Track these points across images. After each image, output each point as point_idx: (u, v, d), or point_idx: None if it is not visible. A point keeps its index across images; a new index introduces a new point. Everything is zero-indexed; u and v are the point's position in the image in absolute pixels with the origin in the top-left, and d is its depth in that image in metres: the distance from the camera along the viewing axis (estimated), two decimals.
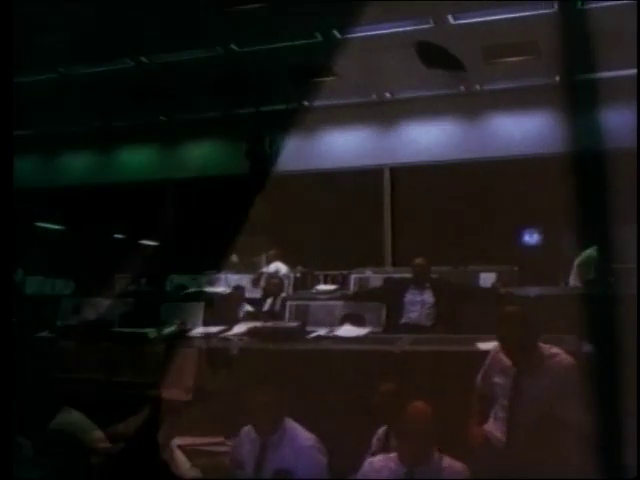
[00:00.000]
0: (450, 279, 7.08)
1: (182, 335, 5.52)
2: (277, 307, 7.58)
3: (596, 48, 7.36)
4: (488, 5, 7.68)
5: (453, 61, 8.75)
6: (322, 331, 5.14)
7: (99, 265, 9.27)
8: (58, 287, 9.09)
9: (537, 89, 9.14)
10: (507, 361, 3.39)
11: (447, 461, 3.10)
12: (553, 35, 7.47)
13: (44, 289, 9.04)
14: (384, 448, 3.91)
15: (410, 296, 6.41)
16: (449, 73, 9.19)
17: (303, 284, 8.78)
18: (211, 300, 7.09)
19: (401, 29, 8.33)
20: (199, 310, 6.71)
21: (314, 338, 4.95)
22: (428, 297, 6.39)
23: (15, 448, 3.77)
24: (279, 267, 8.77)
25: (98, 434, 4.36)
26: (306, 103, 9.98)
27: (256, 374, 4.38)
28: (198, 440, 4.36)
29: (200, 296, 7.32)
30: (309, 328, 5.33)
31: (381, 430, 3.98)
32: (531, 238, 9.73)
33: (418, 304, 6.39)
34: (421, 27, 8.03)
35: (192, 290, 7.71)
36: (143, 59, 9.19)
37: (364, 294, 6.79)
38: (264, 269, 8.92)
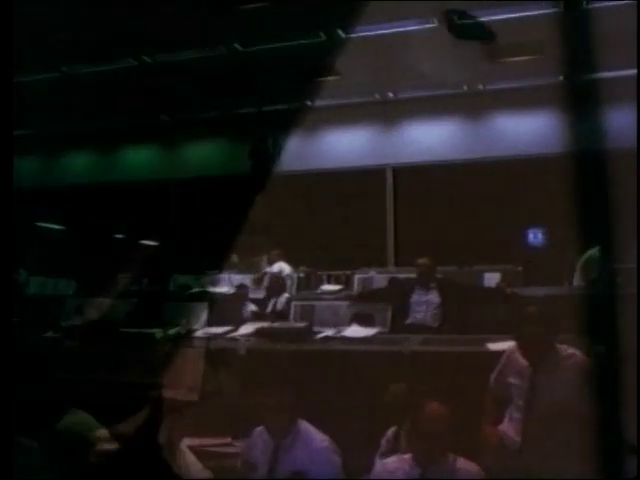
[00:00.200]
0: (455, 279, 7.07)
1: (188, 335, 5.50)
2: (279, 307, 7.58)
3: (601, 48, 7.35)
4: (492, 5, 7.66)
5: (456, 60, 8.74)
6: (329, 331, 5.12)
7: (102, 265, 9.24)
8: (61, 287, 9.07)
9: (541, 89, 9.13)
10: (523, 361, 3.37)
11: (461, 462, 3.08)
12: (557, 35, 7.46)
13: (47, 289, 9.02)
14: (393, 449, 3.91)
15: (416, 296, 6.40)
16: (452, 73, 9.18)
17: (307, 284, 8.77)
18: (215, 300, 7.09)
19: (405, 28, 8.30)
20: (203, 310, 6.72)
21: (322, 339, 4.93)
22: (434, 297, 6.37)
23: (21, 449, 3.75)
24: (282, 267, 8.76)
25: (105, 435, 4.34)
26: (309, 103, 9.96)
27: (265, 375, 4.37)
28: (206, 441, 4.35)
29: (204, 296, 7.32)
30: (316, 328, 5.31)
31: (390, 431, 3.96)
32: (534, 238, 9.72)
33: (424, 304, 6.37)
34: (425, 27, 7.98)
35: (196, 290, 7.70)
36: (146, 59, 9.15)
37: (369, 294, 6.78)
38: (267, 269, 8.90)
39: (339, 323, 5.77)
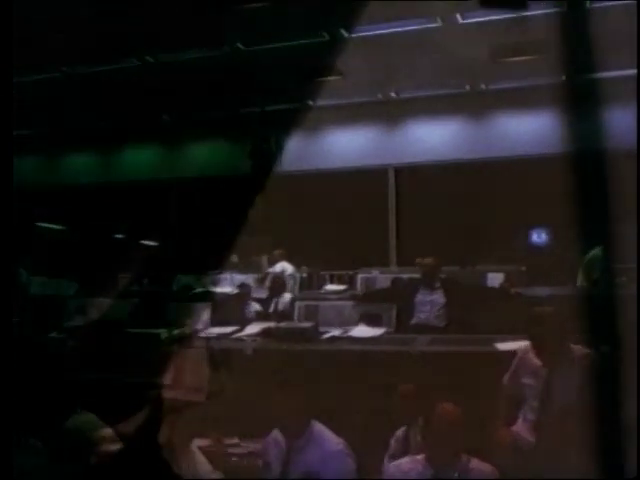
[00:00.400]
0: (458, 279, 7.06)
1: (193, 335, 5.48)
2: (280, 307, 7.56)
3: (603, 47, 7.35)
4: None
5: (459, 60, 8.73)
6: (335, 331, 5.10)
7: (104, 265, 9.21)
8: (63, 288, 9.03)
9: (543, 89, 9.12)
10: (537, 362, 3.36)
11: (475, 463, 3.07)
12: (560, 34, 7.45)
13: (49, 290, 8.99)
14: (403, 449, 3.90)
15: (420, 296, 6.39)
16: (454, 72, 9.17)
17: (309, 284, 8.75)
18: (218, 300, 7.07)
19: (409, 28, 8.29)
20: (207, 310, 6.69)
21: (329, 339, 4.91)
22: (438, 297, 6.36)
23: (25, 450, 3.73)
24: (285, 267, 8.73)
25: (110, 434, 4.32)
26: (311, 102, 9.94)
27: (274, 376, 4.35)
28: (214, 442, 4.33)
29: (207, 296, 7.30)
30: (322, 328, 5.29)
31: (400, 431, 3.95)
32: (538, 238, 9.71)
33: (428, 304, 6.36)
34: (429, 26, 7.97)
35: (199, 290, 7.67)
36: (148, 58, 9.13)
37: (374, 294, 6.77)
38: (270, 269, 8.88)
39: (344, 323, 5.75)
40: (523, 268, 7.98)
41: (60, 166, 12.10)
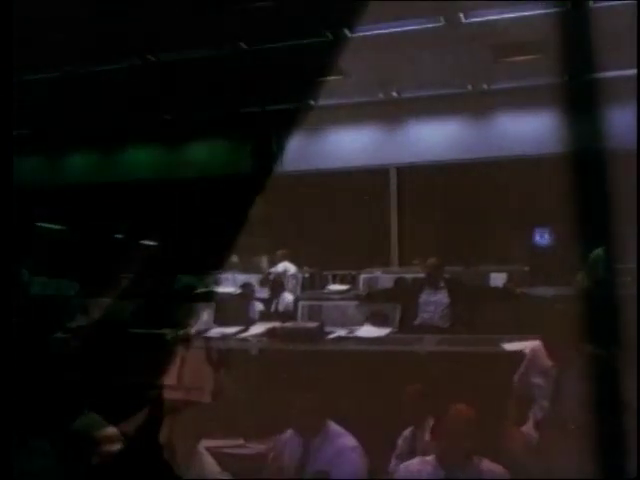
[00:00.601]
0: (462, 279, 7.05)
1: (198, 336, 5.46)
2: (281, 307, 7.55)
3: (607, 47, 7.34)
4: (496, 4, 7.64)
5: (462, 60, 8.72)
6: (341, 332, 5.08)
7: (106, 266, 9.19)
8: (64, 288, 9.01)
9: (546, 88, 9.11)
10: (547, 362, 3.34)
11: (486, 464, 3.05)
12: (562, 34, 7.44)
13: (51, 290, 8.96)
14: (410, 449, 3.89)
15: (424, 296, 6.37)
16: (456, 72, 9.16)
17: (311, 284, 8.74)
18: (222, 300, 7.06)
19: (409, 28, 8.27)
20: (210, 310, 6.67)
21: (335, 339, 4.89)
22: (443, 297, 6.34)
23: (30, 451, 3.71)
24: (287, 267, 8.71)
25: (116, 435, 4.29)
26: (313, 102, 9.92)
27: (285, 376, 4.34)
28: (219, 443, 4.31)
29: (210, 296, 7.28)
30: (327, 329, 5.26)
31: (407, 431, 3.94)
32: (541, 238, 9.70)
33: (432, 304, 6.34)
34: (432, 25, 7.95)
35: (202, 290, 7.65)
36: (149, 57, 9.10)
37: (377, 294, 6.75)
38: (272, 269, 8.85)
39: (349, 323, 5.73)
40: (526, 268, 7.95)
41: (61, 166, 12.07)
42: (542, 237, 9.62)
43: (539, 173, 9.11)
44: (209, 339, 5.31)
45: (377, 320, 5.42)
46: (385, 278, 8.09)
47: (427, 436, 3.83)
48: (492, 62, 8.83)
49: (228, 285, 8.47)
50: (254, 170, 10.34)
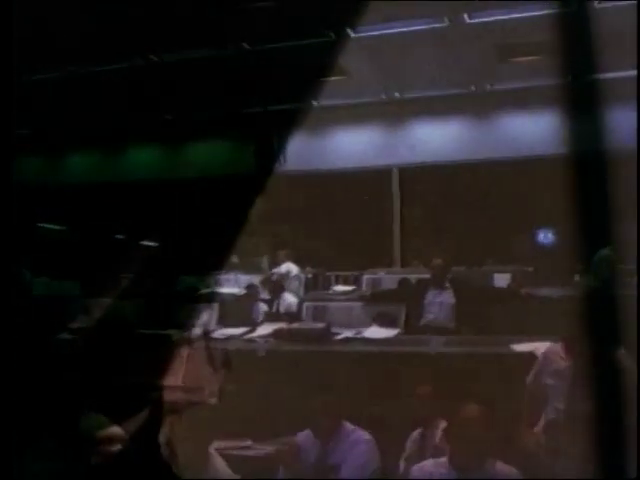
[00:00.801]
0: (466, 280, 7.04)
1: (204, 336, 5.43)
2: (281, 308, 7.54)
3: (612, 48, 7.33)
4: (500, 5, 7.63)
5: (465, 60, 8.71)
6: (348, 332, 5.06)
7: (108, 266, 9.16)
8: (66, 288, 8.99)
9: (549, 89, 9.10)
10: (563, 362, 3.33)
11: (500, 466, 3.03)
12: (566, 35, 7.44)
13: (53, 290, 8.94)
14: (419, 451, 3.87)
15: (430, 297, 6.37)
16: (459, 72, 9.15)
17: (315, 285, 8.73)
18: (226, 301, 7.04)
19: (412, 28, 8.26)
20: (214, 311, 6.67)
21: (343, 340, 4.87)
22: (448, 298, 6.35)
23: (37, 453, 3.70)
24: (290, 267, 8.69)
25: (120, 434, 4.27)
26: (315, 102, 9.91)
27: (288, 377, 4.32)
28: (226, 444, 4.30)
29: (214, 297, 7.27)
30: (334, 329, 5.25)
31: (416, 432, 3.92)
32: (543, 238, 9.70)
33: (437, 305, 6.35)
34: (436, 26, 7.94)
35: (206, 291, 7.63)
36: (152, 57, 9.08)
37: (382, 295, 6.74)
38: (275, 269, 8.83)
39: (355, 324, 5.72)
40: (530, 269, 7.94)
41: (62, 166, 12.04)
42: (545, 237, 9.62)
43: (542, 173, 9.09)
44: (215, 340, 5.28)
45: (384, 321, 5.41)
46: (388, 279, 8.08)
47: (437, 438, 3.82)
48: (495, 62, 8.81)
49: (231, 286, 8.45)
50: (256, 170, 10.32)
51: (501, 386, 3.80)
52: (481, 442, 3.01)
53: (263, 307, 7.43)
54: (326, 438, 3.49)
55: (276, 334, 5.04)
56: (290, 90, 9.63)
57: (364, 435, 3.50)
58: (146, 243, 11.46)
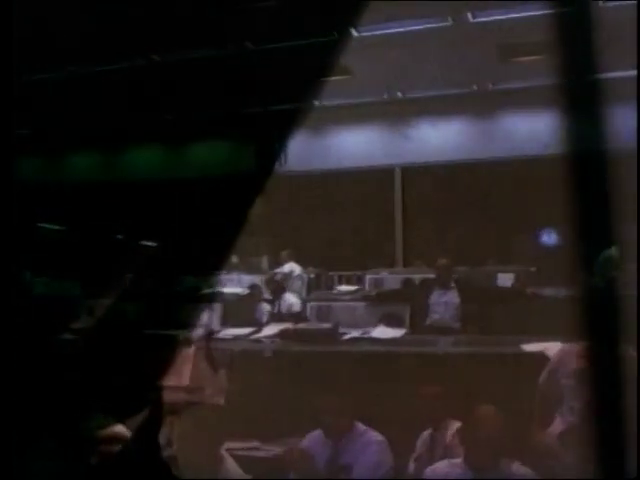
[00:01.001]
0: (470, 280, 7.03)
1: (209, 336, 5.40)
2: (283, 309, 7.51)
3: (616, 48, 7.31)
4: (502, 4, 7.61)
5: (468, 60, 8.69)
6: (355, 332, 5.04)
7: (109, 266, 9.13)
8: (67, 289, 8.95)
9: (552, 88, 9.08)
10: (578, 362, 3.30)
11: (515, 467, 3.01)
12: (570, 35, 7.41)
13: (54, 291, 8.90)
14: (429, 451, 3.85)
15: (435, 297, 6.35)
16: (462, 72, 9.13)
17: (317, 285, 8.71)
18: (230, 301, 7.02)
19: (415, 28, 8.24)
20: (218, 311, 6.64)
21: (350, 340, 4.84)
22: (453, 297, 6.33)
23: (41, 453, 3.67)
24: (293, 267, 8.67)
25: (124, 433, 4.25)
26: (317, 102, 9.88)
27: (296, 377, 4.30)
28: (234, 445, 4.27)
29: (217, 297, 7.24)
30: (341, 329, 5.22)
31: (426, 433, 3.90)
32: (546, 238, 9.68)
33: (443, 305, 6.33)
34: (440, 25, 7.93)
35: (209, 291, 7.60)
36: (154, 57, 9.05)
37: (387, 295, 6.72)
38: (279, 269, 8.81)
39: (359, 324, 5.70)
40: (533, 268, 7.93)
41: (63, 166, 12.01)
42: (549, 237, 9.60)
43: (544, 173, 9.06)
44: (221, 340, 5.25)
45: (391, 321, 5.39)
46: (391, 279, 8.07)
47: (447, 438, 3.80)
48: (498, 62, 8.80)
49: (233, 286, 8.42)
50: (259, 170, 10.29)
51: (512, 386, 3.78)
52: (496, 443, 2.99)
53: (266, 307, 7.40)
54: (338, 439, 3.46)
55: (283, 334, 5.00)
56: (292, 90, 9.61)
57: (376, 436, 3.48)
58: (147, 243, 11.42)
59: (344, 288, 7.65)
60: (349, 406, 3.59)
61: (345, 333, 5.05)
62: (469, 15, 7.74)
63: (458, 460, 3.13)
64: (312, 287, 8.70)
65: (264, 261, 10.60)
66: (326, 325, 5.07)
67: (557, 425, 3.34)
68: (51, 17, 7.38)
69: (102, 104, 10.18)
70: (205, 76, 9.33)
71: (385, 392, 4.19)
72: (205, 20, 7.98)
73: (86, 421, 3.97)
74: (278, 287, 7.89)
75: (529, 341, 4.38)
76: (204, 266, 8.81)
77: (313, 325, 5.31)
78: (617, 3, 7.29)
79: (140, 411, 4.41)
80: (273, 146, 10.42)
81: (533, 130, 9.62)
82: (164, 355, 5.37)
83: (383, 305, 6.17)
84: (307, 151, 10.38)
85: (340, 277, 8.87)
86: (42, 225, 11.63)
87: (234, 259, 9.24)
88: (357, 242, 10.00)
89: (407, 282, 7.34)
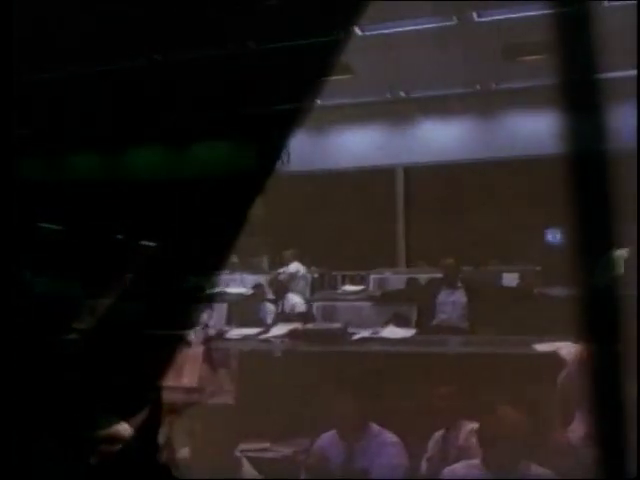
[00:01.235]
0: (476, 279, 7.01)
1: (217, 337, 5.38)
2: (286, 309, 7.48)
3: (620, 47, 7.31)
4: (505, 4, 7.60)
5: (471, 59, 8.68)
6: (365, 332, 5.01)
7: (112, 266, 9.09)
8: (68, 289, 8.90)
9: (555, 88, 9.07)
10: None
11: (534, 468, 2.99)
12: (573, 34, 7.40)
13: (54, 291, 8.85)
14: (442, 452, 3.83)
15: (442, 297, 6.34)
16: (465, 71, 9.12)
17: (321, 285, 8.68)
18: (234, 301, 7.00)
19: (418, 27, 8.22)
20: (222, 310, 6.62)
21: (359, 340, 4.82)
22: (460, 297, 6.32)
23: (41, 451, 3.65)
24: (298, 267, 8.63)
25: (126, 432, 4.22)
26: (320, 101, 9.86)
27: (306, 377, 4.27)
28: (244, 446, 4.24)
29: (221, 296, 7.22)
30: (350, 329, 5.19)
31: (438, 434, 3.88)
32: (551, 238, 9.68)
33: (450, 305, 6.32)
34: (444, 24, 7.91)
35: (212, 290, 7.57)
36: (156, 57, 9.01)
37: (393, 295, 6.70)
38: (283, 269, 8.77)
39: (366, 324, 5.68)
40: (538, 268, 7.91)
41: (64, 166, 11.96)
42: (552, 237, 9.60)
43: (548, 173, 9.05)
44: (229, 340, 5.23)
45: (399, 321, 5.37)
46: (396, 278, 8.05)
47: (460, 439, 3.78)
48: (501, 61, 8.78)
49: (236, 285, 8.39)
50: (260, 170, 10.25)
51: (527, 387, 3.76)
52: (516, 444, 2.96)
53: (270, 307, 7.37)
54: (352, 440, 3.44)
55: (291, 334, 4.98)
56: (294, 89, 9.58)
57: (391, 437, 3.45)
58: (147, 243, 11.38)
59: (349, 288, 7.62)
60: (363, 407, 3.56)
61: (355, 333, 5.03)
62: (474, 14, 7.71)
63: (476, 461, 3.10)
64: (315, 287, 8.66)
65: (264, 261, 10.57)
66: (336, 325, 5.05)
67: (577, 425, 3.32)
68: (51, 17, 7.34)
69: (102, 104, 10.13)
70: (208, 76, 9.30)
71: (397, 393, 4.17)
72: (206, 20, 7.95)
73: (87, 421, 3.95)
74: (281, 287, 7.86)
75: (540, 341, 4.36)
76: (205, 266, 8.79)
77: (323, 325, 5.29)
78: (617, 3, 7.29)
79: (141, 410, 4.40)
80: (275, 146, 10.39)
81: (537, 129, 9.61)
82: (165, 355, 5.35)
83: (389, 305, 6.15)
84: (309, 151, 10.35)
85: (343, 277, 8.84)
86: (42, 225, 11.58)
87: (234, 259, 9.22)
88: (359, 242, 9.97)
89: (411, 282, 7.32)
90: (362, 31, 8.40)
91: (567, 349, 3.92)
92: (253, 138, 10.47)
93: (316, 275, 8.72)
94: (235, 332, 5.37)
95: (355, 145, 10.49)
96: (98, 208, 11.09)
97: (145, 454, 3.87)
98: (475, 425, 3.60)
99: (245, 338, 5.19)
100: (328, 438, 3.56)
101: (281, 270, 8.65)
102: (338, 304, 6.59)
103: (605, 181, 6.94)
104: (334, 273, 8.93)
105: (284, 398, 4.34)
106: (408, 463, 3.48)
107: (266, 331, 5.25)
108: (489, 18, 7.75)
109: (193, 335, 5.45)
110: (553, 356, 3.95)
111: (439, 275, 6.78)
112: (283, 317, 6.91)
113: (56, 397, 4.11)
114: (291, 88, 9.55)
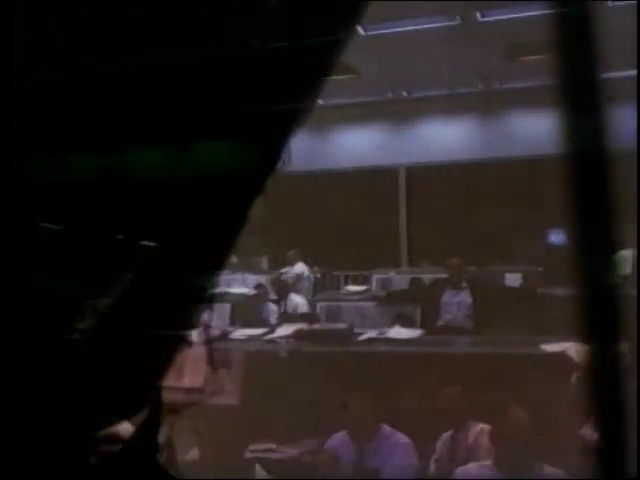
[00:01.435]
0: (480, 280, 6.99)
1: (222, 337, 5.36)
2: (289, 309, 7.46)
3: (623, 47, 7.30)
4: (508, 4, 7.57)
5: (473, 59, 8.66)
6: (371, 333, 4.99)
7: (114, 266, 9.04)
8: (70, 289, 8.85)
9: (557, 88, 9.06)
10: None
11: (547, 469, 2.97)
12: (576, 33, 7.39)
13: (55, 291, 8.80)
14: (450, 453, 3.81)
15: (447, 297, 6.31)
16: (467, 71, 9.10)
17: (324, 285, 8.65)
18: (235, 300, 6.97)
19: (420, 26, 8.20)
20: (226, 311, 6.58)
21: (366, 340, 4.80)
22: (465, 297, 6.29)
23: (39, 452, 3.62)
24: (303, 267, 8.60)
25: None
26: (321, 101, 9.82)
27: (312, 378, 4.25)
28: (252, 447, 4.23)
29: (224, 296, 7.18)
30: (356, 330, 5.18)
31: (446, 434, 3.87)
32: (551, 238, 9.66)
33: (455, 305, 6.29)
34: (448, 24, 7.88)
35: (214, 290, 7.53)
36: (158, 56, 8.96)
37: (397, 295, 6.68)
38: (286, 269, 8.75)
39: (370, 324, 5.67)
40: (540, 268, 7.90)
41: (62, 166, 11.90)
42: (554, 237, 9.58)
43: (549, 173, 9.03)
44: (234, 340, 5.20)
45: (405, 321, 5.35)
46: (399, 279, 8.03)
47: (469, 440, 3.76)
48: (504, 61, 8.76)
49: (238, 286, 8.36)
50: (261, 170, 10.21)
51: (536, 387, 3.75)
52: (528, 446, 2.94)
53: (273, 307, 7.35)
54: (364, 441, 3.42)
55: (297, 335, 4.95)
56: (295, 89, 9.53)
57: (402, 438, 3.43)
58: (148, 243, 11.33)
59: (352, 288, 7.60)
60: (371, 407, 3.54)
61: (361, 333, 5.01)
62: (477, 14, 7.69)
63: (488, 462, 3.08)
64: (318, 287, 8.64)
65: (264, 261, 10.53)
66: (341, 325, 5.03)
67: (590, 425, 3.28)
68: (51, 17, 7.31)
69: (102, 104, 10.09)
70: (208, 76, 9.25)
71: (405, 393, 4.15)
72: (207, 19, 7.91)
73: (87, 420, 3.92)
74: (284, 287, 7.84)
75: (547, 341, 4.35)
76: (205, 266, 8.74)
77: (328, 325, 5.26)
78: (617, 3, 7.28)
79: (141, 411, 4.37)
80: (276, 146, 10.34)
81: (539, 129, 9.59)
82: (166, 355, 5.31)
83: (393, 305, 6.13)
84: (311, 151, 10.30)
85: (346, 277, 8.82)
86: (42, 225, 11.53)
87: (234, 259, 9.17)
88: (361, 242, 9.94)
89: (414, 282, 7.30)
90: (364, 31, 8.35)
91: (575, 349, 3.89)
92: (253, 138, 10.42)
93: (318, 275, 8.68)
94: (240, 332, 5.33)
95: (357, 145, 10.45)
96: (98, 208, 11.02)
97: (145, 454, 3.85)
98: (484, 426, 3.58)
99: (250, 338, 5.16)
100: (339, 438, 3.54)
101: (284, 270, 8.62)
102: (342, 304, 6.56)
103: (606, 181, 6.94)
104: (336, 273, 8.89)
105: (290, 399, 4.32)
106: (419, 464, 3.45)
107: (271, 331, 5.22)
108: (492, 18, 7.70)
109: (195, 335, 5.42)
110: (560, 356, 3.93)
111: (443, 275, 6.76)
112: (286, 317, 6.88)
113: (56, 397, 4.09)
114: (292, 88, 9.49)
